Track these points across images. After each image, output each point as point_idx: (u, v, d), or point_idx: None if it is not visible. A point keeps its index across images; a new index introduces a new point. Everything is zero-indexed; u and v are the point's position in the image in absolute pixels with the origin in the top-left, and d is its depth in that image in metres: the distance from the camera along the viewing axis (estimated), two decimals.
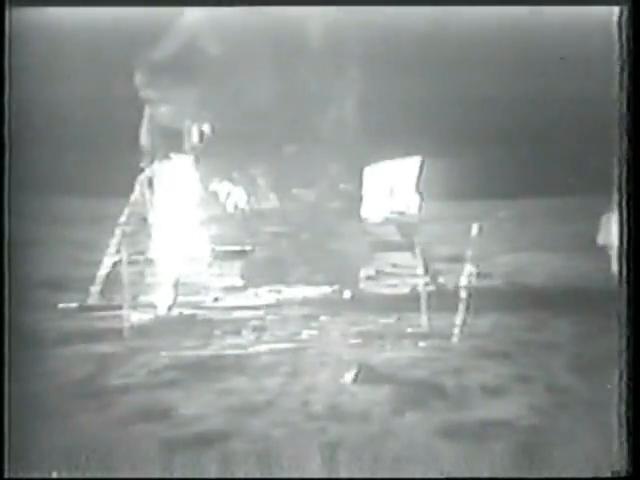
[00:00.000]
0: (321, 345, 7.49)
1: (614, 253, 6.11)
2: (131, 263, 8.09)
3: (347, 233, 8.50)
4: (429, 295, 8.05)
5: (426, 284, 8.31)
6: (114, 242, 8.16)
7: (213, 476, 5.74)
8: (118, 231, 8.16)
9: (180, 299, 8.19)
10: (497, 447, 5.77)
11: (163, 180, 8.32)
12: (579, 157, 7.31)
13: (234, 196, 8.58)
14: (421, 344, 7.48)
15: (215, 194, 8.55)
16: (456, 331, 7.58)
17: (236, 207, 8.59)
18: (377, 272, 8.79)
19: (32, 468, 5.82)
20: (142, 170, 8.17)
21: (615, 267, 6.05)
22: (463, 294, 7.77)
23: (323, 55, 7.99)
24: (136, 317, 7.90)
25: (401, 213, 8.61)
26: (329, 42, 7.93)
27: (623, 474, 5.70)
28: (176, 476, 5.72)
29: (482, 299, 7.76)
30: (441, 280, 8.47)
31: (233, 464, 5.75)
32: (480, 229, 8.06)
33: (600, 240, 7.24)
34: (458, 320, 7.63)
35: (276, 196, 8.58)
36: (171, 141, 8.29)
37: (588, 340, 7.15)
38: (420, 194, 8.53)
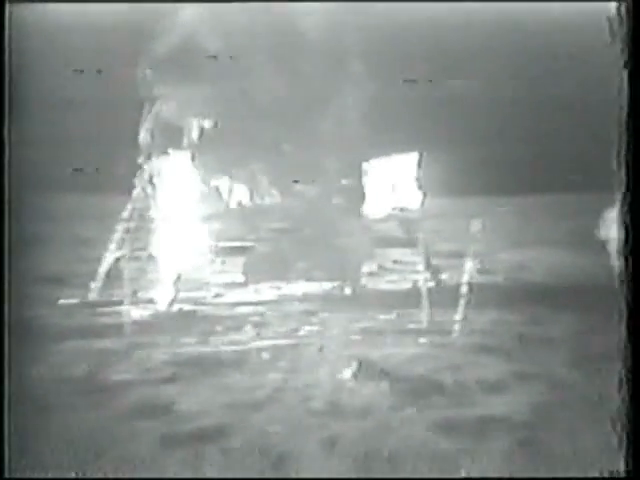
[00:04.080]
0: (322, 341, 7.49)
1: (614, 249, 6.10)
2: (132, 259, 8.11)
3: (348, 229, 8.50)
4: (430, 291, 8.05)
5: (427, 280, 8.31)
6: (115, 239, 8.18)
7: (212, 472, 5.74)
8: (119, 228, 8.18)
9: (181, 295, 8.21)
10: (496, 444, 5.76)
11: (164, 176, 8.33)
12: (580, 154, 7.31)
13: (236, 192, 8.58)
14: (421, 340, 7.48)
15: (216, 190, 8.55)
16: (456, 327, 7.58)
17: (238, 203, 8.59)
18: (378, 268, 8.81)
19: (32, 468, 5.83)
20: (143, 167, 8.18)
21: (615, 264, 6.04)
22: (464, 290, 7.77)
23: (325, 52, 7.99)
24: (137, 313, 7.92)
25: (403, 209, 8.61)
26: (331, 39, 7.93)
27: (622, 474, 5.69)
28: (176, 475, 5.72)
29: (483, 295, 7.76)
30: (442, 276, 8.47)
31: (233, 459, 5.75)
32: (481, 225, 8.06)
33: (601, 235, 7.24)
34: (458, 316, 7.63)
35: (277, 192, 8.58)
36: (172, 138, 8.30)
37: (588, 336, 7.15)
38: (422, 190, 8.53)
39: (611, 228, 6.33)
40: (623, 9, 5.80)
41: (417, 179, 8.49)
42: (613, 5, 5.86)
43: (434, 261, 8.50)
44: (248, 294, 8.49)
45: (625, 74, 5.86)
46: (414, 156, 8.50)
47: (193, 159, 8.39)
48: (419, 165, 8.46)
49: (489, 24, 7.02)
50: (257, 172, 8.55)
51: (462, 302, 7.71)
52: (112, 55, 7.41)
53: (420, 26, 7.16)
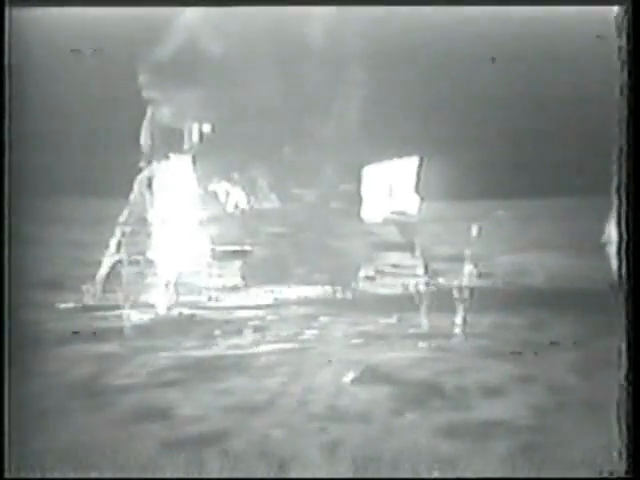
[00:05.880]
0: (321, 345, 7.49)
1: (614, 252, 6.11)
2: (131, 263, 8.09)
3: (347, 233, 8.50)
4: (429, 295, 8.04)
5: (426, 284, 8.30)
6: (114, 242, 8.16)
7: (213, 476, 5.73)
8: (118, 231, 8.16)
9: (180, 299, 8.19)
10: (497, 447, 5.76)
11: (163, 180, 8.32)
12: (579, 157, 7.31)
13: (234, 196, 8.58)
14: (421, 344, 7.48)
15: (215, 194, 8.55)
16: (456, 331, 7.58)
17: (236, 207, 8.59)
18: (376, 272, 8.79)
19: (32, 468, 5.82)
20: (142, 170, 8.17)
21: (615, 267, 6.04)
22: (463, 294, 7.77)
23: (324, 56, 7.99)
24: (136, 317, 7.90)
25: (401, 213, 8.60)
26: (330, 43, 7.93)
27: (622, 474, 5.69)
28: (176, 476, 5.71)
29: (482, 299, 7.75)
30: (441, 280, 8.46)
31: (233, 464, 5.74)
32: (480, 229, 8.06)
33: (605, 239, 7.24)
34: (458, 320, 7.63)
35: (276, 196, 8.58)
36: (171, 141, 8.29)
37: (588, 340, 7.15)
38: (420, 194, 8.53)
39: (611, 231, 6.33)
40: (624, 12, 5.83)
41: (416, 183, 8.49)
42: (614, 8, 5.88)
43: (433, 265, 8.49)
44: (247, 298, 8.48)
45: (625, 77, 5.87)
46: (413, 160, 8.50)
47: (192, 163, 8.39)
48: (418, 169, 8.46)
49: (489, 28, 7.03)
50: (256, 176, 8.55)
51: (462, 306, 7.70)
52: (112, 59, 7.40)
53: (421, 30, 7.17)
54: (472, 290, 7.81)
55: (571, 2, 6.36)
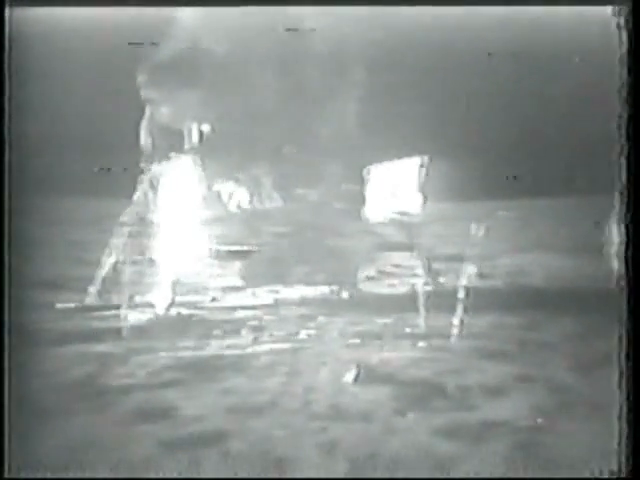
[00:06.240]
0: (321, 345, 7.49)
1: (614, 253, 6.10)
2: (130, 263, 8.10)
3: (349, 233, 8.50)
4: (428, 295, 8.04)
5: (425, 284, 8.30)
6: (113, 242, 8.17)
7: (213, 476, 5.72)
8: (118, 231, 8.17)
9: (179, 299, 8.20)
10: (497, 447, 5.75)
11: (165, 180, 8.33)
12: (580, 158, 7.30)
13: (237, 196, 8.59)
14: (420, 344, 7.47)
15: (218, 194, 8.56)
16: (455, 331, 7.57)
17: (239, 207, 8.59)
18: (377, 272, 8.79)
19: (32, 468, 5.82)
20: (142, 170, 8.18)
21: (615, 267, 6.03)
22: (462, 294, 7.76)
23: (326, 56, 7.99)
24: (135, 317, 7.91)
25: (404, 213, 8.61)
26: (332, 43, 7.93)
27: (623, 474, 5.68)
28: (176, 476, 5.71)
29: (482, 299, 7.75)
30: (441, 280, 8.46)
31: (232, 464, 5.73)
32: (481, 229, 8.05)
33: (606, 239, 7.23)
34: (457, 320, 7.62)
35: (279, 196, 8.58)
36: (173, 141, 8.30)
37: (588, 340, 7.14)
38: (423, 194, 8.53)
39: (612, 232, 6.32)
40: (623, 12, 5.82)
41: (418, 183, 8.49)
42: (614, 8, 5.87)
43: (434, 265, 8.49)
44: (247, 298, 8.48)
45: (625, 77, 5.86)
46: (415, 161, 8.50)
47: (194, 163, 8.40)
48: (420, 169, 8.47)
49: (490, 28, 7.02)
50: (259, 176, 8.55)
51: (461, 306, 7.70)
52: (112, 59, 7.41)
53: (422, 31, 7.17)
54: (472, 290, 7.81)
55: (571, 2, 6.35)
